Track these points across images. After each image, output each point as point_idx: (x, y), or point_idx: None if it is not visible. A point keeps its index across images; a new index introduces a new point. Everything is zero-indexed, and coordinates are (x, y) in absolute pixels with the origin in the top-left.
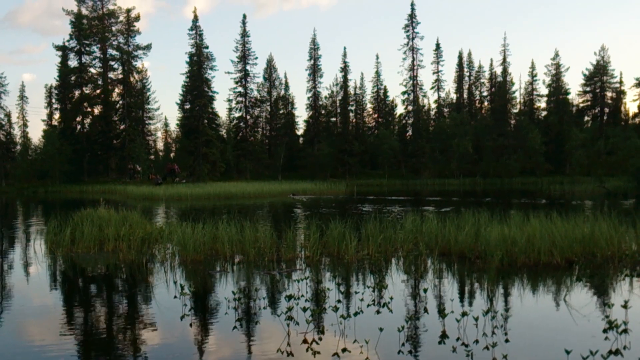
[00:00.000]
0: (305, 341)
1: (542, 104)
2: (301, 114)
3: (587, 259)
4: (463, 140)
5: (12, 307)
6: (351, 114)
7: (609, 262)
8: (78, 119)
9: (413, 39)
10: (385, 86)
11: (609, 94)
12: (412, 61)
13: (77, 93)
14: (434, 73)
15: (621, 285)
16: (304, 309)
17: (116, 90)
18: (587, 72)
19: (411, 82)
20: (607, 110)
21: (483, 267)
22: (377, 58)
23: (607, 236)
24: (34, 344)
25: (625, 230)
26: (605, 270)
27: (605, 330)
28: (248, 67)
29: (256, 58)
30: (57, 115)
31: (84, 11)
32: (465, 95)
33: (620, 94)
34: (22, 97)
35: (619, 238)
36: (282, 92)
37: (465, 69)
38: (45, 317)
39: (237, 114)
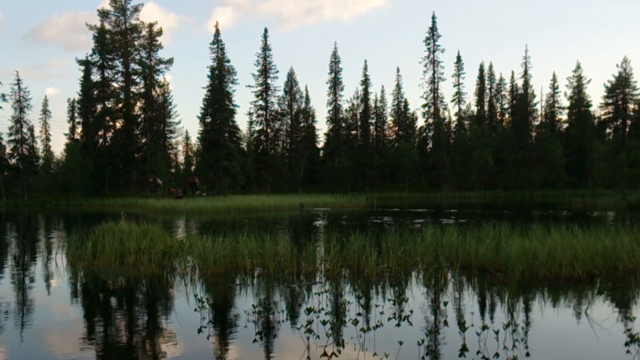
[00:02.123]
0: (325, 354)
1: (564, 116)
2: (322, 127)
3: (609, 272)
4: (484, 153)
5: (34, 320)
6: (372, 127)
7: (630, 275)
8: (100, 132)
9: (434, 51)
10: (405, 99)
11: (631, 105)
12: (433, 74)
13: (99, 107)
14: (454, 86)
15: None
16: (324, 322)
17: (138, 104)
18: (608, 84)
19: (432, 94)
20: (629, 122)
21: (504, 281)
22: (398, 71)
23: (629, 249)
24: (55, 355)
25: None
26: (626, 283)
27: (627, 344)
28: (269, 81)
29: (277, 71)
30: (79, 129)
31: (107, 26)
32: (486, 108)
33: None
34: (45, 112)
35: None
36: (303, 105)
37: (486, 82)
38: (66, 329)
39: (257, 127)
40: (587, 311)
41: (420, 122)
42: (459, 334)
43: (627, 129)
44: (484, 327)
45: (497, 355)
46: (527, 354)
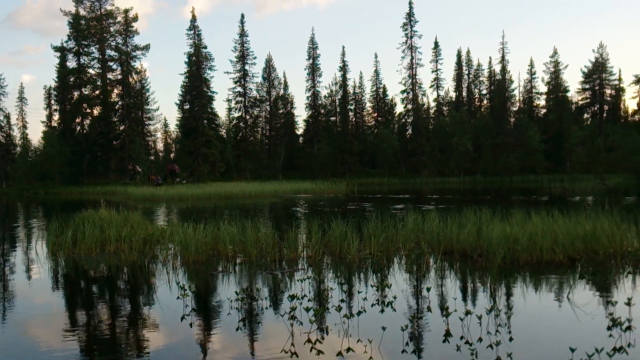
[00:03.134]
0: (309, 341)
1: (542, 101)
2: (301, 114)
3: (590, 257)
4: (462, 139)
5: (15, 309)
6: (350, 113)
7: (611, 259)
8: (77, 120)
9: (411, 37)
10: (384, 85)
11: (608, 91)
12: (411, 60)
13: (76, 94)
14: (433, 71)
15: (624, 282)
16: (307, 309)
17: (115, 91)
18: (586, 70)
19: (410, 80)
20: (606, 107)
21: (485, 266)
22: (376, 57)
23: (609, 233)
24: (38, 345)
25: (627, 228)
26: (607, 267)
27: (609, 328)
28: (247, 67)
29: (255, 58)
30: (56, 117)
31: (82, 12)
32: (464, 94)
33: (619, 91)
34: (22, 99)
35: (621, 235)
36: (282, 91)
37: (464, 67)
38: (48, 318)
39: (236, 114)
40: (569, 295)
41: (399, 108)
42: (442, 319)
43: (605, 114)
44: (467, 312)
45: (480, 340)
46: (510, 339)
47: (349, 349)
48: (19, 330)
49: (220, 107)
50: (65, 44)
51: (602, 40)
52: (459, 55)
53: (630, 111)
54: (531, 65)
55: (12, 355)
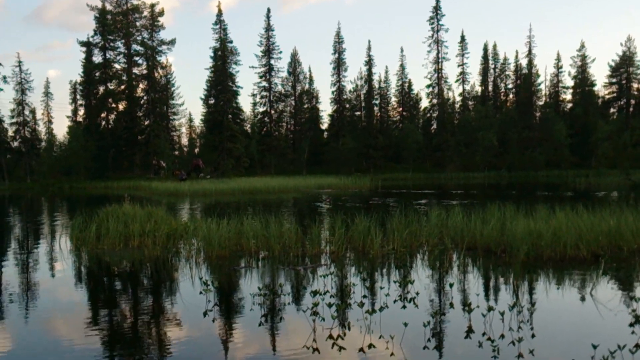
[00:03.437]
0: (330, 337)
1: (568, 96)
2: (325, 108)
3: (613, 253)
4: (488, 133)
5: (39, 304)
6: (375, 108)
7: (635, 255)
8: (102, 115)
9: (438, 31)
10: (409, 79)
11: (635, 85)
12: (437, 54)
13: (101, 89)
14: (458, 66)
15: None
16: (330, 305)
17: (140, 85)
18: (613, 64)
19: (436, 75)
20: (633, 101)
21: (509, 262)
22: (402, 51)
23: (634, 229)
24: (61, 340)
25: None
26: (631, 263)
27: (631, 324)
28: (272, 62)
29: (280, 52)
30: (81, 112)
31: (109, 6)
32: (490, 88)
33: None
34: (47, 94)
35: None
36: (307, 86)
37: (491, 62)
38: (71, 313)
39: (261, 109)
40: (592, 292)
41: (425, 103)
42: (464, 315)
43: (631, 109)
44: (490, 309)
45: (502, 336)
46: (533, 335)
47: (370, 345)
48: (42, 325)
49: (245, 102)
50: (91, 39)
51: (630, 33)
52: (485, 49)
53: None
54: (558, 59)
55: (37, 350)
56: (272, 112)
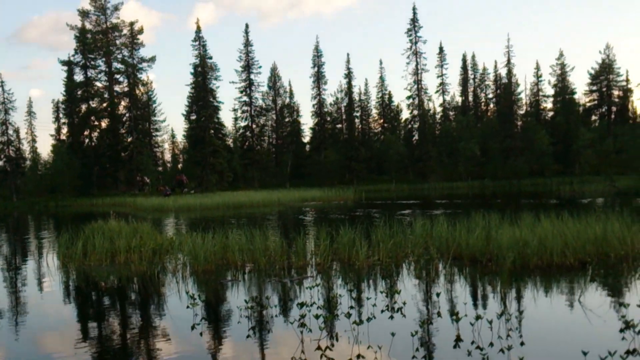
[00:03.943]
0: (319, 348)
1: (549, 104)
2: (307, 122)
3: (601, 259)
4: (470, 143)
5: (27, 320)
6: (357, 120)
7: (622, 261)
8: (86, 132)
9: (416, 43)
10: (389, 91)
11: (615, 92)
12: (416, 65)
13: (83, 107)
14: (438, 76)
15: (636, 284)
16: (317, 316)
17: (122, 103)
18: (592, 71)
19: (416, 86)
20: (614, 108)
21: (495, 270)
22: (381, 63)
23: (620, 236)
24: (50, 357)
25: (638, 229)
26: (619, 270)
27: (621, 330)
28: (252, 76)
29: (260, 67)
30: (65, 130)
31: (88, 25)
32: (470, 98)
33: (627, 92)
34: (30, 113)
35: (632, 237)
36: (287, 100)
37: (470, 72)
38: (60, 330)
39: (242, 123)
40: (580, 299)
41: (405, 114)
42: (452, 324)
43: (613, 116)
44: (478, 317)
45: (491, 344)
46: (522, 343)
47: (359, 356)
48: (31, 341)
49: (226, 117)
50: (72, 58)
51: (608, 41)
52: (464, 60)
53: (638, 112)
54: (537, 68)
55: None
56: (254, 126)
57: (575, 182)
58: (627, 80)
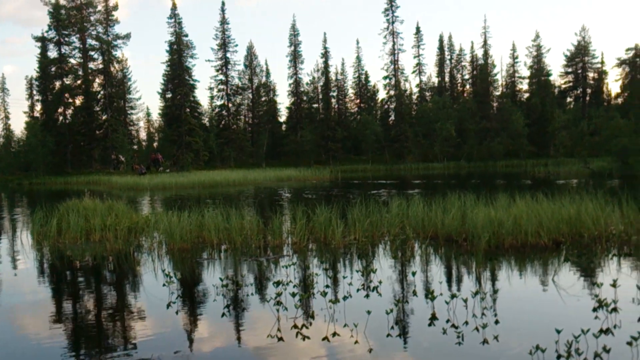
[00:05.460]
0: (295, 326)
1: (524, 85)
2: (283, 101)
3: (575, 240)
4: (446, 124)
5: (0, 298)
6: (333, 100)
7: (596, 242)
8: (60, 110)
9: (393, 22)
10: (366, 71)
11: (590, 74)
12: (393, 45)
13: (57, 84)
14: (415, 57)
15: (609, 264)
16: (293, 295)
17: (97, 80)
18: (568, 53)
19: (392, 66)
20: (589, 90)
21: (470, 250)
22: (358, 43)
23: (594, 216)
24: (24, 335)
25: (611, 210)
26: (592, 250)
27: (595, 309)
28: (228, 55)
29: (236, 45)
30: (38, 107)
31: (62, 1)
32: (447, 79)
33: (602, 74)
34: (3, 89)
35: (606, 218)
36: (264, 79)
37: (446, 52)
38: (34, 307)
39: (218, 102)
40: (554, 278)
41: (382, 95)
42: (427, 303)
43: (588, 98)
44: (453, 296)
45: (466, 323)
46: (497, 322)
47: (334, 334)
48: (5, 320)
49: (202, 96)
50: (46, 34)
51: (584, 23)
52: (440, 41)
53: (613, 94)
54: (513, 49)
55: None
56: (230, 105)
57: (549, 164)
58: (602, 63)
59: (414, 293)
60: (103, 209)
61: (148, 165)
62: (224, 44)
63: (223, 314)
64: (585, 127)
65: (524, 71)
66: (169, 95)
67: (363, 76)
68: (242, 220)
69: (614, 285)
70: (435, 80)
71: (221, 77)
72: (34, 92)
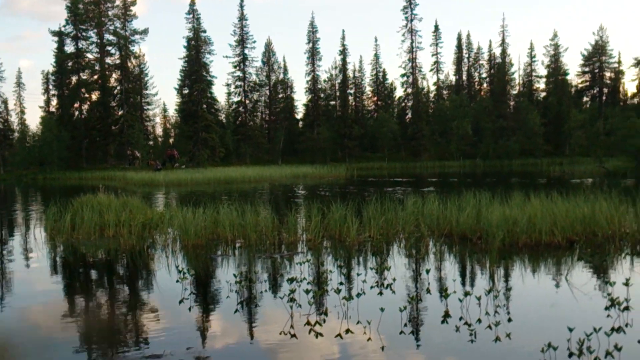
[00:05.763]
0: (308, 323)
1: (541, 85)
2: (300, 98)
3: (588, 238)
4: (462, 122)
5: (14, 294)
6: (350, 97)
7: (609, 241)
8: (76, 105)
9: (412, 20)
10: (384, 69)
11: (607, 74)
12: (411, 43)
13: (74, 79)
14: (432, 55)
15: (622, 263)
16: (307, 291)
17: (114, 75)
18: (585, 53)
19: (410, 64)
20: (605, 90)
21: (485, 248)
22: (376, 40)
23: (608, 215)
24: (37, 331)
25: (625, 210)
26: (606, 249)
27: (607, 308)
28: (246, 51)
29: (254, 42)
30: (54, 102)
31: None
32: (464, 77)
33: (618, 74)
34: (19, 84)
35: (620, 217)
36: (281, 76)
37: (464, 51)
38: (47, 303)
39: (235, 99)
40: (567, 277)
41: (399, 92)
42: (441, 300)
43: (604, 97)
44: (466, 294)
45: (479, 321)
46: (509, 320)
47: (347, 331)
48: (18, 316)
49: (219, 92)
50: (63, 29)
51: (602, 22)
52: (459, 39)
53: (629, 94)
54: (531, 48)
55: (13, 340)
56: (247, 101)
57: (565, 163)
58: (619, 62)
59: (428, 291)
60: (117, 204)
61: (164, 161)
62: (242, 40)
63: (236, 311)
64: (601, 126)
65: (542, 70)
66: (185, 92)
67: (381, 74)
68: (257, 217)
69: (626, 284)
70: (452, 78)
71: (239, 73)
72: (50, 86)
